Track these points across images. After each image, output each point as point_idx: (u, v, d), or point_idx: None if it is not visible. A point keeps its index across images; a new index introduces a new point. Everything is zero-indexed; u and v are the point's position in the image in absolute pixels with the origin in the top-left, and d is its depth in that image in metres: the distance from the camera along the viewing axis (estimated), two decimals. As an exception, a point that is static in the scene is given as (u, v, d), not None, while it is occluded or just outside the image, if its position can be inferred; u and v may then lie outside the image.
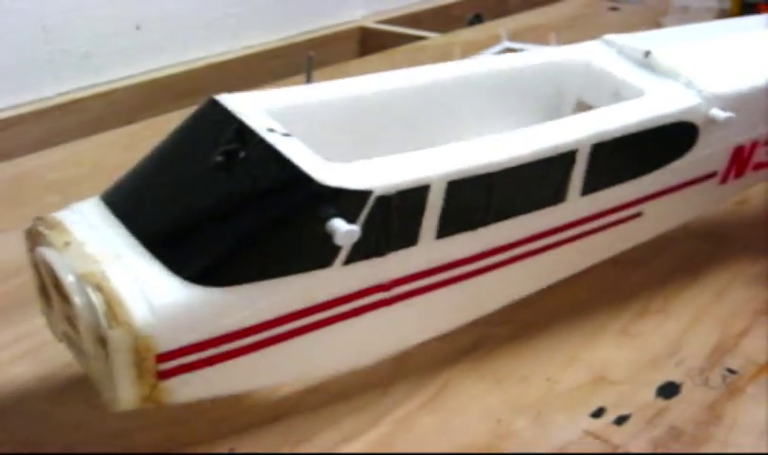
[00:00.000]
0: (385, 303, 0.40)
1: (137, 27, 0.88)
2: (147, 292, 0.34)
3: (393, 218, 0.38)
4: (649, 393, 0.44)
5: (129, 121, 0.83)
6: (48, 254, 0.35)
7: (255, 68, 0.95)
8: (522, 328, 0.50)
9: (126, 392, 0.35)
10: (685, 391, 0.44)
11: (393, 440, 0.42)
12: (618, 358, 0.47)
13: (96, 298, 0.33)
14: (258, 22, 0.98)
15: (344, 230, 0.35)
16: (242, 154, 0.37)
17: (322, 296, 0.38)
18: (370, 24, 1.09)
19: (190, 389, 0.36)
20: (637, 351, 0.48)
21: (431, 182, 0.38)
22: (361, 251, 0.37)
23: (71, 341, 0.37)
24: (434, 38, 1.04)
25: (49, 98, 0.83)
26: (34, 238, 0.37)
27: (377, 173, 0.37)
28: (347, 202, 0.36)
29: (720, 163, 0.50)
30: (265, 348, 0.37)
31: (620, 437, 0.41)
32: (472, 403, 0.44)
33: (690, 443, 0.41)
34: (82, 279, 0.34)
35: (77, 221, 0.37)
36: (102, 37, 0.85)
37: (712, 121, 0.46)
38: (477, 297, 0.44)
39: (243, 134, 0.37)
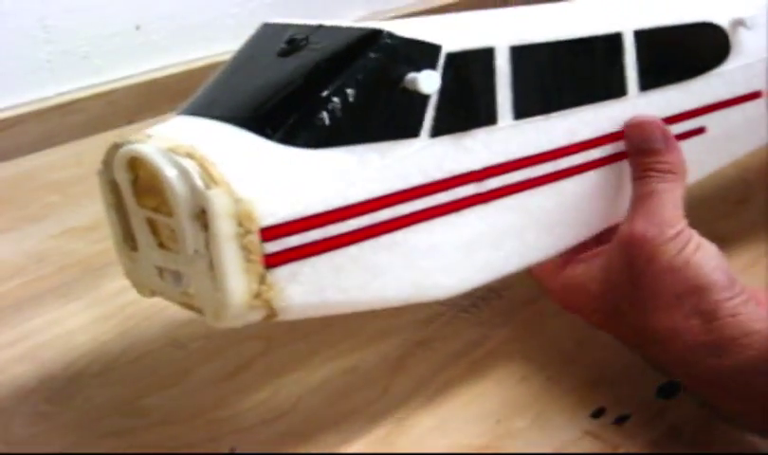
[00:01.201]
0: (478, 200, 0.39)
1: (137, 27, 0.88)
2: (240, 154, 0.33)
3: (466, 84, 0.38)
4: (649, 393, 0.44)
5: (129, 121, 0.83)
6: (127, 148, 0.34)
7: (255, 68, 0.95)
8: (522, 328, 0.50)
9: (234, 283, 0.32)
10: (684, 390, 0.44)
11: (393, 440, 0.42)
12: (618, 358, 0.47)
13: (188, 163, 0.32)
14: (258, 22, 0.98)
15: (425, 74, 0.35)
16: (304, 41, 0.37)
17: (413, 175, 0.37)
18: (370, 24, 1.08)
19: (301, 289, 0.34)
20: (637, 351, 0.48)
21: (496, 45, 0.39)
22: (444, 121, 0.37)
23: (165, 269, 0.36)
24: None
25: (49, 98, 0.83)
26: (109, 164, 0.36)
27: (445, 33, 0.37)
28: (419, 55, 0.36)
29: (761, 81, 0.50)
30: (368, 239, 0.36)
31: (620, 437, 0.41)
32: (472, 403, 0.44)
33: (690, 443, 0.41)
34: (171, 151, 0.32)
35: (156, 128, 0.35)
36: (102, 37, 0.85)
37: (741, 24, 0.48)
38: (579, 205, 0.43)
39: (301, 28, 0.38)
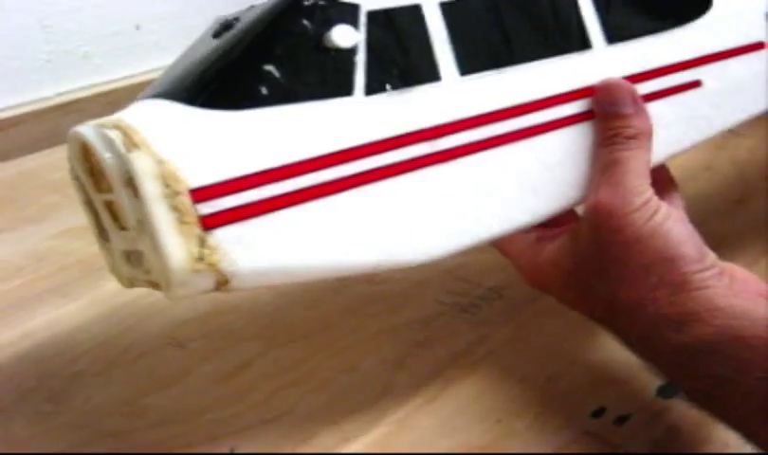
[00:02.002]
0: (433, 160, 0.38)
1: (137, 27, 0.88)
2: (164, 121, 0.34)
3: (395, 41, 0.38)
4: (649, 393, 0.44)
5: (129, 121, 0.83)
6: (71, 133, 0.35)
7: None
8: (522, 328, 0.50)
9: (171, 246, 0.32)
10: (685, 391, 0.45)
11: (392, 440, 0.42)
12: (618, 358, 0.47)
13: (113, 133, 0.33)
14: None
15: (339, 29, 0.36)
16: (235, 20, 0.38)
17: (354, 133, 0.36)
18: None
19: (249, 254, 0.34)
20: (637, 351, 0.48)
21: (422, 2, 0.38)
22: (378, 79, 0.37)
23: (131, 252, 0.36)
24: None
25: (49, 98, 0.83)
26: (70, 160, 0.37)
27: None
28: (340, 15, 0.36)
29: (761, 32, 0.49)
30: (313, 200, 0.35)
31: (620, 437, 0.41)
32: (472, 403, 0.44)
33: (690, 443, 0.41)
34: (100, 126, 0.33)
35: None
36: (102, 37, 0.85)
37: None
38: (550, 167, 0.42)
39: (239, 12, 0.39)
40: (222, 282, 0.34)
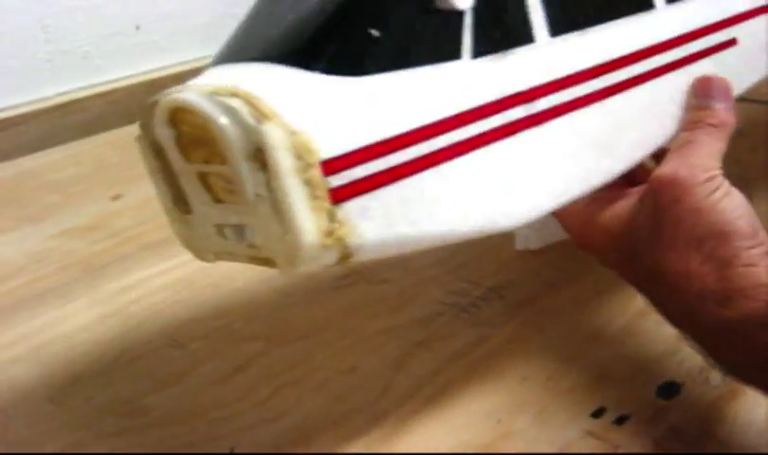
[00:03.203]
0: (529, 123, 0.39)
1: (137, 27, 0.88)
2: (286, 88, 0.32)
3: (497, 4, 0.38)
4: (649, 393, 0.44)
5: (129, 121, 0.83)
6: (166, 99, 0.32)
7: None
8: (522, 328, 0.50)
9: (304, 220, 0.31)
10: (685, 390, 0.44)
11: (392, 440, 0.42)
12: (618, 358, 0.47)
13: (235, 102, 0.30)
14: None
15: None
16: None
17: (463, 98, 0.36)
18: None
19: (373, 225, 0.33)
20: (637, 350, 0.48)
21: None
22: (482, 42, 0.37)
23: (225, 225, 0.34)
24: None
25: (49, 98, 0.83)
26: (148, 125, 0.34)
27: None
28: None
29: None
30: (429, 168, 0.35)
31: (620, 437, 0.41)
32: (472, 403, 0.44)
33: (690, 443, 0.41)
34: (214, 94, 0.31)
35: (192, 81, 0.34)
36: (102, 37, 0.85)
37: None
38: (630, 123, 0.43)
39: None
40: (345, 256, 0.33)
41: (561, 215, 0.44)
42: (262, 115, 0.30)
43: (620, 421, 0.42)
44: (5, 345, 0.49)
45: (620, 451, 0.41)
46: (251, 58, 0.34)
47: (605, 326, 0.50)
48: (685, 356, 0.47)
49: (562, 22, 0.41)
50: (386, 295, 0.53)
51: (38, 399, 0.45)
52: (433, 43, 0.36)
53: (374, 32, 0.34)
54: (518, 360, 0.47)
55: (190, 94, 0.31)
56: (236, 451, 0.41)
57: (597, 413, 0.43)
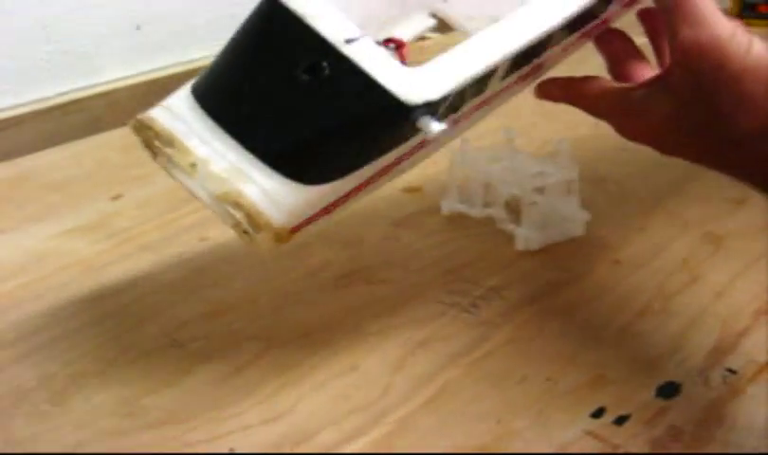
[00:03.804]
0: None
1: (137, 27, 0.88)
2: (277, 200, 0.40)
3: (467, 90, 0.42)
4: (649, 393, 0.44)
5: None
6: (184, 180, 0.41)
7: (255, 68, 0.94)
8: (522, 328, 0.50)
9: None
10: (685, 391, 0.44)
11: (393, 440, 0.42)
12: (618, 358, 0.47)
13: (238, 215, 0.39)
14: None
15: (436, 130, 0.39)
16: (326, 71, 0.38)
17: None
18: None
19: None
20: (637, 351, 0.48)
21: (498, 65, 0.42)
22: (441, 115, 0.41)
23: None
24: (435, 38, 1.04)
25: (49, 98, 0.83)
26: (148, 142, 0.42)
27: (453, 70, 0.40)
28: (432, 107, 0.40)
29: None
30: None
31: (620, 437, 0.41)
32: (472, 403, 0.44)
33: (690, 443, 0.41)
34: (221, 199, 0.39)
35: (183, 131, 0.41)
36: (102, 37, 0.85)
37: None
38: None
39: (321, 46, 0.39)
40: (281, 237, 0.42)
41: (603, 117, 0.44)
42: (257, 226, 0.39)
43: (620, 421, 0.42)
44: (5, 345, 0.49)
45: (620, 451, 0.41)
46: (237, 133, 0.40)
47: (605, 326, 0.50)
48: (685, 357, 0.47)
49: (512, 71, 0.45)
50: (386, 295, 0.53)
51: (38, 399, 0.45)
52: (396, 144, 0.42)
53: (343, 154, 0.41)
54: (518, 360, 0.47)
55: (203, 194, 0.40)
56: (236, 451, 0.41)
57: (597, 413, 0.43)
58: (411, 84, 0.39)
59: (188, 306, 0.52)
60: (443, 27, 0.56)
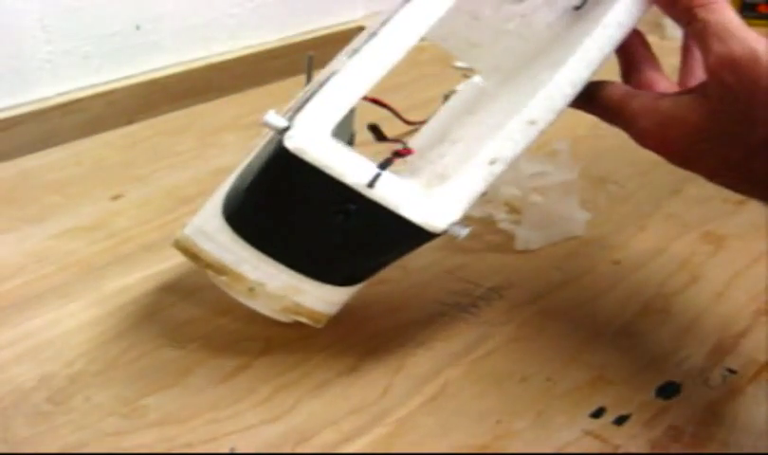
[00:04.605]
0: None
1: (137, 27, 0.88)
2: (328, 300, 0.46)
3: None
4: (649, 393, 0.44)
5: (129, 121, 0.83)
6: (242, 300, 0.47)
7: (255, 68, 0.95)
8: (522, 328, 0.50)
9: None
10: (684, 391, 0.44)
11: (393, 440, 0.42)
12: (618, 358, 0.47)
13: (299, 318, 0.46)
14: (258, 22, 0.98)
15: (464, 234, 0.42)
16: (355, 210, 0.42)
17: None
18: (370, 24, 1.08)
19: None
20: (637, 351, 0.48)
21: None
22: None
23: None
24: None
25: (49, 98, 0.83)
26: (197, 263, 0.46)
27: (471, 187, 0.42)
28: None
29: None
30: None
31: (620, 437, 0.41)
32: (472, 403, 0.44)
33: (690, 443, 0.41)
34: (283, 311, 0.46)
35: (233, 260, 0.45)
36: (102, 37, 0.85)
37: None
38: None
39: (346, 192, 0.41)
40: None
41: (631, 119, 0.44)
42: (317, 321, 0.47)
43: (620, 421, 0.42)
44: (5, 345, 0.49)
45: (620, 451, 0.41)
46: (285, 260, 0.45)
47: (605, 326, 0.50)
48: (685, 357, 0.47)
49: None
50: (386, 295, 0.53)
51: (38, 399, 0.45)
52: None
53: (373, 262, 0.46)
54: (518, 360, 0.47)
55: (262, 309, 0.47)
56: (236, 451, 0.41)
57: (597, 413, 0.43)
58: (435, 214, 0.42)
59: (187, 306, 0.52)
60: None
